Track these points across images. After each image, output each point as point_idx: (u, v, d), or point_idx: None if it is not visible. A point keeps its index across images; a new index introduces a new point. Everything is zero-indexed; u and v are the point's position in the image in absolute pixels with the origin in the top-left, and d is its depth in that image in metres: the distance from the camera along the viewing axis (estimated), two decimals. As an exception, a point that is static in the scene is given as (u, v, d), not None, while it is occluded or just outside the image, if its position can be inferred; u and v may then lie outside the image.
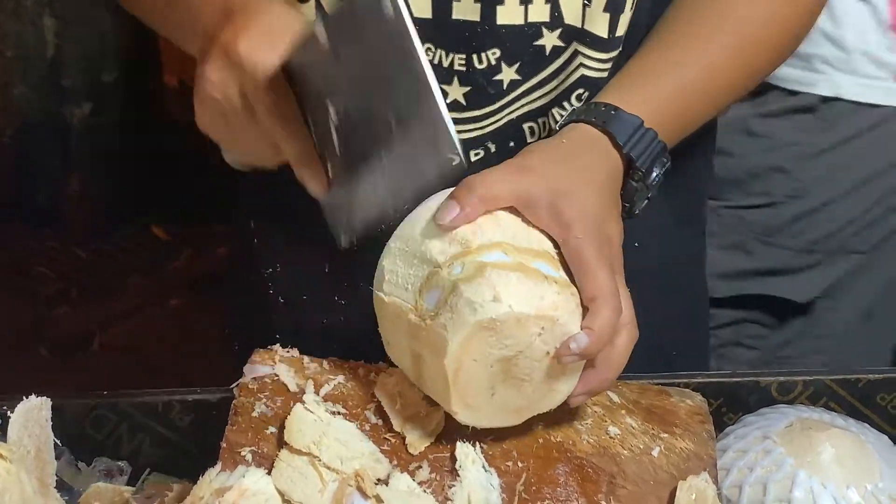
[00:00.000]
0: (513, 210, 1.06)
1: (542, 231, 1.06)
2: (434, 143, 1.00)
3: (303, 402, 1.07)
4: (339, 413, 1.08)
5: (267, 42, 1.04)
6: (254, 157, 1.12)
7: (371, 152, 1.02)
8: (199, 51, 1.11)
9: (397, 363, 1.10)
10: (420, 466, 1.07)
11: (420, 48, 0.98)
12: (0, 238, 3.91)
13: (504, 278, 1.01)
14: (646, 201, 1.16)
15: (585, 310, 1.03)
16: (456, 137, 0.99)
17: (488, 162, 1.20)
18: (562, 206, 1.05)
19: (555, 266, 1.04)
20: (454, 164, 1.00)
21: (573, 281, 1.04)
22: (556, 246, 1.06)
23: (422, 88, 0.98)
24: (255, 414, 1.08)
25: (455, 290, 1.01)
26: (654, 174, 1.15)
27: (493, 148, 1.25)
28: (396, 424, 1.08)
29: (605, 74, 1.23)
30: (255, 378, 1.11)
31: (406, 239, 1.07)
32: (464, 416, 1.05)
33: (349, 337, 1.18)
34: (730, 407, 1.29)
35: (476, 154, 1.25)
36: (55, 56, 4.04)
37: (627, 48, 1.24)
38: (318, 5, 1.13)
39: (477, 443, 1.09)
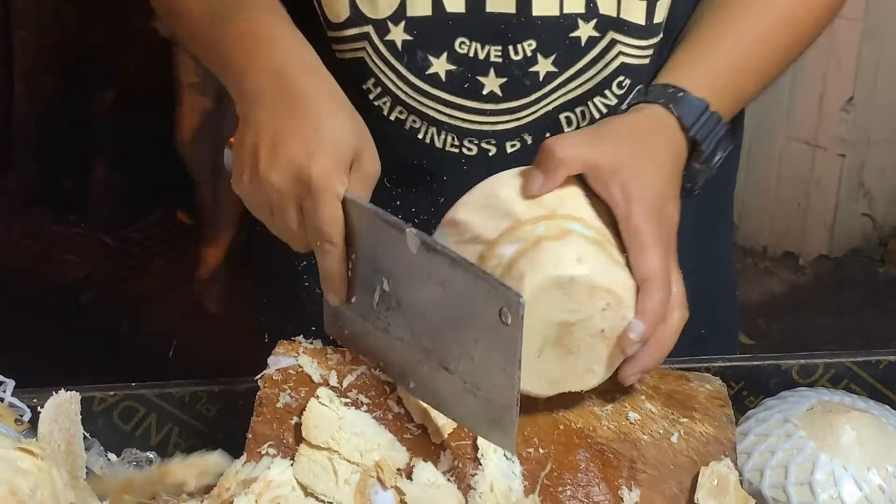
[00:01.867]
0: (581, 180, 1.09)
1: (604, 204, 1.09)
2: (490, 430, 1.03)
3: (317, 397, 1.08)
4: (361, 402, 1.10)
5: (338, 171, 1.06)
6: (285, 240, 1.13)
7: (414, 342, 1.06)
8: (242, 103, 1.13)
9: None
10: (443, 455, 1.08)
11: (520, 365, 0.98)
12: (26, 226, 3.94)
13: (585, 246, 1.05)
14: (704, 181, 1.19)
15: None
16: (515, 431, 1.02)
17: (524, 154, 1.22)
18: (629, 182, 1.08)
19: (620, 251, 1.08)
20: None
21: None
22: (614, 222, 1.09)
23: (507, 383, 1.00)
24: (279, 405, 1.09)
25: (538, 245, 1.04)
26: (718, 157, 1.18)
27: (529, 140, 1.26)
28: (417, 416, 1.09)
29: (646, 61, 1.24)
30: (278, 369, 1.12)
31: (487, 195, 1.10)
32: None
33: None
34: (751, 390, 1.29)
35: (512, 146, 1.26)
36: (77, 44, 4.05)
37: (668, 33, 1.25)
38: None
39: None
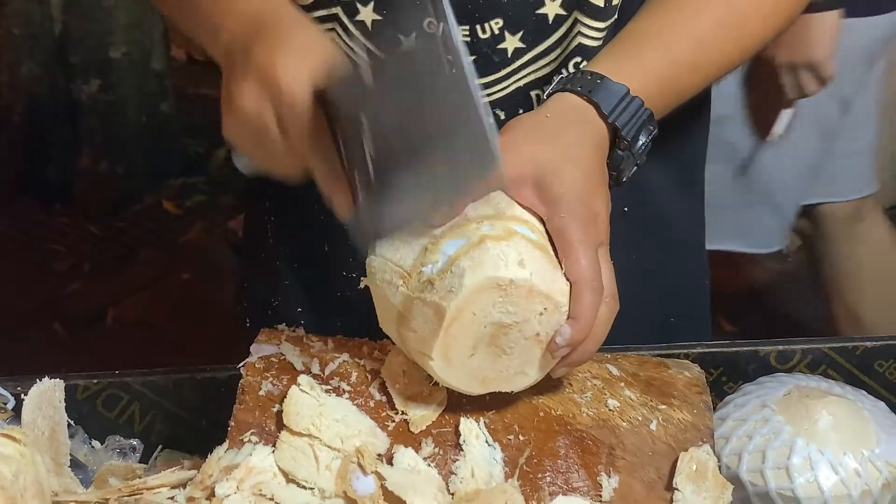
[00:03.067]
0: None
1: (528, 209, 1.07)
2: (478, 162, 1.01)
3: (298, 385, 1.09)
4: (343, 389, 1.11)
5: (305, 68, 1.04)
6: (279, 171, 1.12)
7: (405, 176, 1.03)
8: (222, 57, 1.12)
9: (383, 313, 1.10)
10: (425, 442, 1.09)
11: (478, 93, 0.98)
12: (12, 215, 3.94)
13: (528, 249, 1.04)
14: (634, 168, 1.17)
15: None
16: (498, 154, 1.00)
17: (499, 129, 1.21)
18: (547, 183, 1.06)
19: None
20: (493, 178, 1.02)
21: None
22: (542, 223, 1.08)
23: (473, 121, 0.99)
24: (261, 393, 1.10)
25: (482, 244, 1.03)
26: (641, 142, 1.15)
27: (502, 115, 1.26)
28: (399, 403, 1.10)
29: (600, 43, 1.24)
30: (261, 357, 1.13)
31: None
32: (437, 367, 1.05)
33: (365, 313, 1.20)
34: (730, 376, 1.31)
35: None
36: (63, 33, 4.04)
37: (622, 18, 1.25)
38: (368, 36, 1.12)
39: (480, 418, 1.11)
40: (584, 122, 1.13)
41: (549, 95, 1.16)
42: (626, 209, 1.18)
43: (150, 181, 4.16)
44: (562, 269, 1.05)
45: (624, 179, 1.16)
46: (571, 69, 1.24)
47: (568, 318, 1.04)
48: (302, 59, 1.04)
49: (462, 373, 1.06)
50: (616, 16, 1.24)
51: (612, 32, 1.24)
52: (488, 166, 1.01)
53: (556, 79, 1.21)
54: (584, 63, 1.23)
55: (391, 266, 1.06)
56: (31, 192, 4.04)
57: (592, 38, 1.24)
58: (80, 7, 4.01)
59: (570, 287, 1.05)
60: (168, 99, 4.25)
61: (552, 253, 1.05)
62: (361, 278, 1.10)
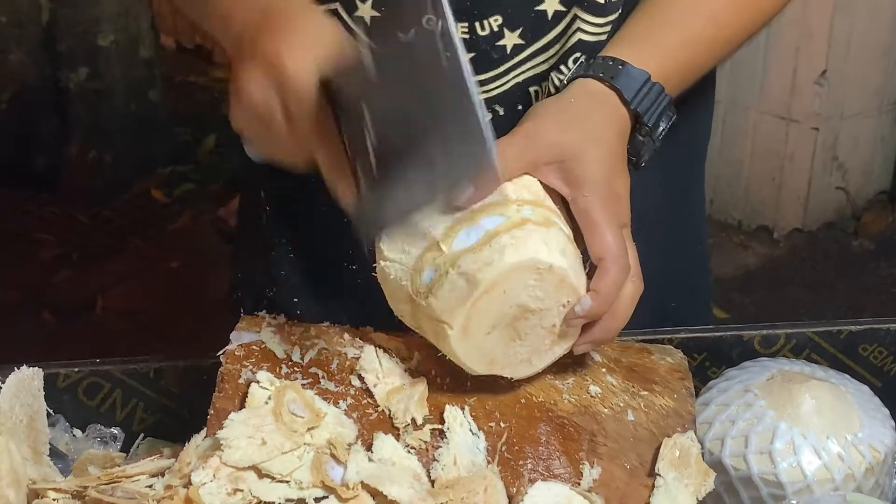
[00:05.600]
0: None
1: (553, 190, 1.09)
2: (474, 157, 1.02)
3: (257, 382, 1.08)
4: (320, 377, 1.10)
5: (311, 56, 1.04)
6: (285, 159, 1.12)
7: (405, 167, 1.04)
8: (231, 46, 1.11)
9: (394, 289, 1.09)
10: (408, 428, 1.09)
11: (474, 88, 0.99)
12: (0, 205, 3.93)
13: (565, 242, 1.06)
14: (652, 153, 1.19)
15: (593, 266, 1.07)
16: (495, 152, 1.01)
17: (497, 125, 1.19)
18: (572, 168, 1.08)
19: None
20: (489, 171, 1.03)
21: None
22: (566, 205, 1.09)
23: (468, 115, 1.00)
24: (241, 380, 1.10)
25: (524, 225, 1.05)
26: (661, 128, 1.17)
27: (501, 111, 1.26)
28: (380, 399, 1.10)
29: (602, 38, 1.24)
30: (241, 345, 1.13)
31: None
32: (453, 337, 1.06)
33: (363, 303, 1.20)
34: (713, 361, 1.30)
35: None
36: (50, 21, 4.02)
37: (626, 9, 1.25)
38: (367, 31, 1.12)
39: (465, 406, 1.10)
40: (607, 107, 1.14)
41: (571, 80, 1.18)
42: (639, 190, 1.19)
43: (139, 170, 4.14)
44: (585, 251, 1.07)
45: (643, 164, 1.18)
46: (571, 65, 1.24)
47: (589, 290, 1.06)
48: (309, 46, 1.05)
49: (474, 349, 1.07)
50: (619, 11, 1.24)
51: (616, 27, 1.24)
52: (482, 160, 1.01)
53: (564, 74, 1.22)
54: (584, 58, 1.23)
55: (414, 236, 1.07)
56: (19, 181, 4.03)
57: (592, 33, 1.23)
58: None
59: (597, 264, 1.07)
60: (157, 87, 4.24)
61: (578, 251, 1.08)
62: (378, 262, 1.10)
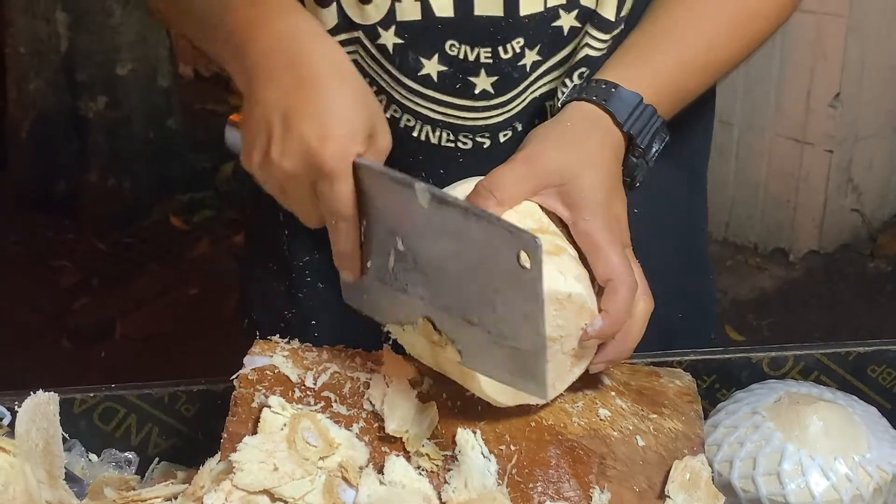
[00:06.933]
0: None
1: (552, 214, 1.10)
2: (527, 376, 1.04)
3: (269, 406, 1.09)
4: (333, 401, 1.11)
5: (350, 147, 1.05)
6: (302, 218, 1.13)
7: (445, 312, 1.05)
8: (242, 81, 1.11)
9: (413, 341, 1.11)
10: (419, 451, 1.09)
11: (544, 308, 1.00)
12: (20, 231, 3.96)
13: (576, 267, 1.07)
14: (646, 173, 1.20)
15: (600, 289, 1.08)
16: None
17: (516, 141, 1.22)
18: (570, 190, 1.09)
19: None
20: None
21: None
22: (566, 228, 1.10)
23: (533, 332, 1.01)
24: (254, 404, 1.10)
25: None
26: (654, 149, 1.18)
27: (520, 127, 1.27)
28: (391, 427, 1.10)
29: (604, 53, 1.25)
30: (254, 369, 1.14)
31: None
32: (483, 379, 1.07)
33: (379, 327, 1.21)
34: (723, 383, 1.31)
35: (505, 135, 1.27)
36: (69, 50, 4.06)
37: (628, 27, 1.26)
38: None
39: (476, 430, 1.11)
40: (602, 130, 1.16)
41: (564, 104, 1.19)
42: (636, 210, 1.20)
43: (157, 197, 4.17)
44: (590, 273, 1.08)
45: (637, 185, 1.20)
46: (576, 79, 1.25)
47: (600, 310, 1.08)
48: (349, 142, 1.05)
49: (498, 385, 1.08)
50: (622, 26, 1.25)
51: (616, 43, 1.25)
52: (530, 388, 1.05)
53: (568, 88, 1.23)
54: (588, 72, 1.24)
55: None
56: (39, 208, 4.06)
57: (597, 48, 1.25)
58: (87, 25, 4.03)
59: (605, 285, 1.08)
60: (174, 115, 4.27)
61: (585, 269, 1.08)
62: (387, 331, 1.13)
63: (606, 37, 1.24)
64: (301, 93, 1.07)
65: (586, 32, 1.24)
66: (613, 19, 1.24)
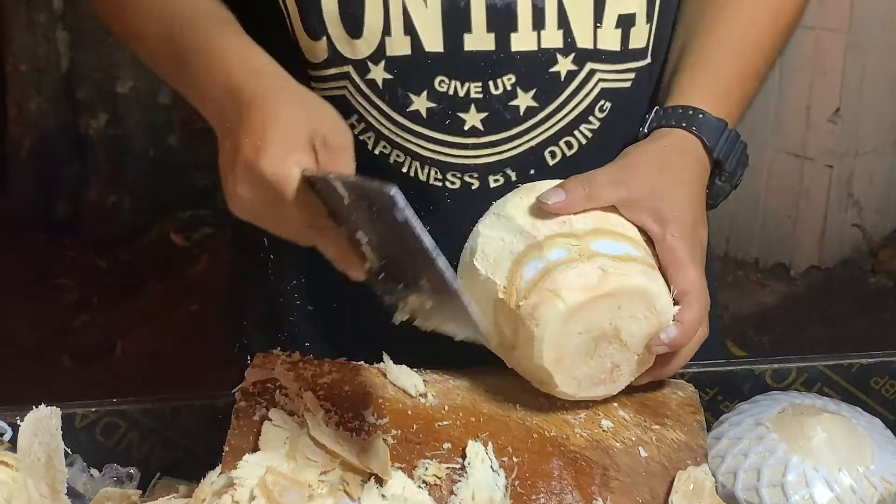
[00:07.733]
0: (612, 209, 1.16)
1: (639, 227, 1.15)
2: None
3: (270, 420, 1.09)
4: (334, 412, 1.11)
5: (289, 158, 1.04)
6: (290, 238, 1.12)
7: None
8: (215, 124, 1.12)
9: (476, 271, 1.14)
10: (423, 463, 1.09)
11: (434, 250, 0.99)
12: (20, 249, 3.96)
13: (663, 281, 1.13)
14: (727, 196, 1.26)
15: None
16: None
17: (507, 189, 1.22)
18: (661, 207, 1.14)
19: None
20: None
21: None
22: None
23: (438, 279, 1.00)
24: (255, 418, 1.10)
25: (645, 260, 1.12)
26: (739, 174, 1.24)
27: (513, 176, 1.26)
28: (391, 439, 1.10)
29: (627, 84, 1.26)
30: (255, 382, 1.14)
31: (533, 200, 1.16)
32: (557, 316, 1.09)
33: (372, 342, 1.21)
34: (726, 395, 1.31)
35: (496, 180, 1.26)
36: (69, 69, 4.07)
37: (656, 55, 1.28)
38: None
39: (489, 443, 1.11)
40: (693, 155, 1.21)
41: (651, 129, 1.23)
42: None
43: (158, 214, 4.18)
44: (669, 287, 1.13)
45: (716, 207, 1.26)
46: (598, 113, 1.25)
47: (675, 320, 1.11)
48: (285, 147, 1.05)
49: (571, 378, 1.12)
50: (648, 58, 1.26)
51: (649, 73, 1.27)
52: (471, 330, 1.04)
53: (594, 124, 1.25)
54: (611, 105, 1.25)
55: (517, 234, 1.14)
56: (40, 226, 4.06)
57: (616, 80, 1.25)
58: (87, 42, 4.04)
59: (681, 299, 1.12)
60: (175, 132, 4.28)
61: (656, 271, 1.13)
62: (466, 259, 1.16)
63: (622, 67, 1.25)
64: (243, 122, 1.07)
65: (593, 70, 1.24)
66: (619, 49, 1.24)
